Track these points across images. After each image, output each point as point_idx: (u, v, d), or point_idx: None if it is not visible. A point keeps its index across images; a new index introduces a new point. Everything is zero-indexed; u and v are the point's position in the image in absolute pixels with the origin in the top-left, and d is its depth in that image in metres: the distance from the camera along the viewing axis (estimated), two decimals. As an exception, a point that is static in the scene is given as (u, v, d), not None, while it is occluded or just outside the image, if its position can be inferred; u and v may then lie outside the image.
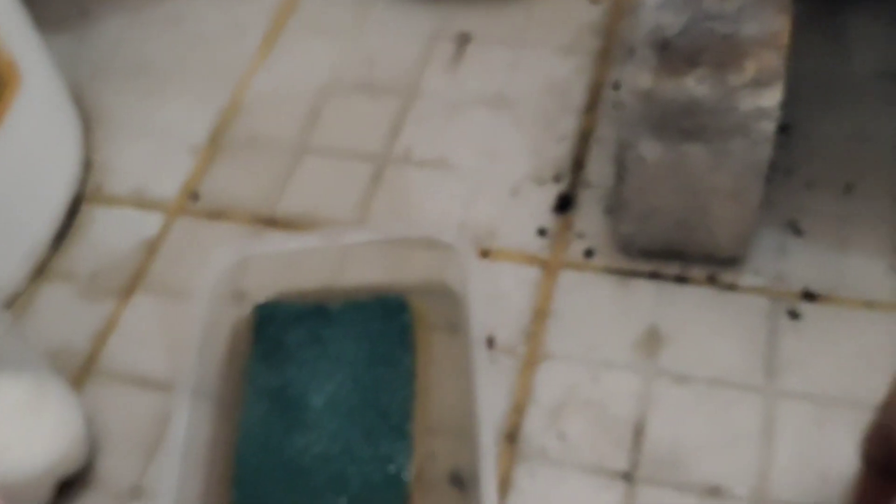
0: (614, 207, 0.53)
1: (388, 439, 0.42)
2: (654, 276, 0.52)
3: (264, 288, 0.51)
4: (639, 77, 0.45)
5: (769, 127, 0.43)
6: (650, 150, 0.47)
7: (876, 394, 0.47)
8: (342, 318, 0.47)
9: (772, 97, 0.42)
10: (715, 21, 0.44)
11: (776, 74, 0.42)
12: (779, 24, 0.43)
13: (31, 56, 0.56)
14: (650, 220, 0.51)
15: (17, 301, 0.55)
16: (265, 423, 0.43)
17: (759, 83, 0.42)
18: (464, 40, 0.65)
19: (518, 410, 0.48)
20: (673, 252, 0.52)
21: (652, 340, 0.50)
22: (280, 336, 0.46)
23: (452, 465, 0.44)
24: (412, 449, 0.43)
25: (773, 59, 0.42)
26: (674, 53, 0.45)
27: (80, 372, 0.52)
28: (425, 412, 0.45)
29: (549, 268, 0.54)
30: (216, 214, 0.58)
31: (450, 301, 0.48)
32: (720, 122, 0.43)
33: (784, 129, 0.56)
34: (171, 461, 0.40)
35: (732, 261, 0.52)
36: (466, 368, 0.44)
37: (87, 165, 0.61)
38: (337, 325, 0.47)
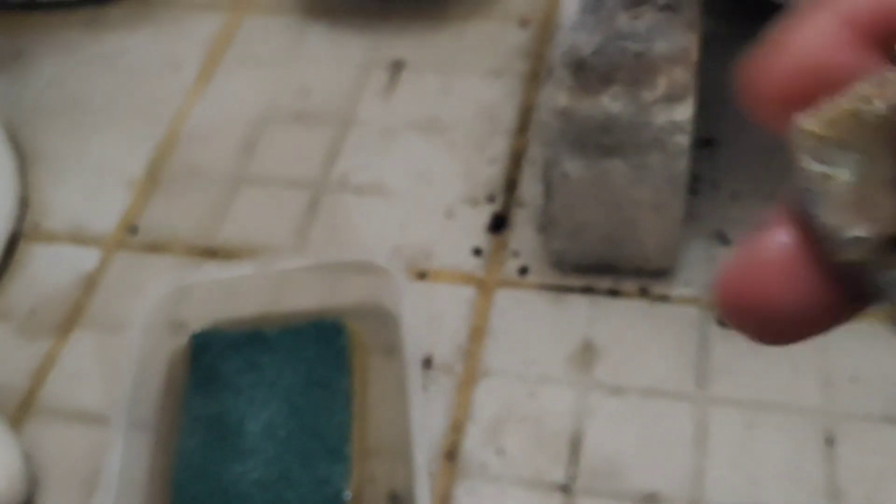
0: (545, 225, 0.54)
1: (326, 462, 0.42)
2: (587, 290, 0.53)
3: (202, 317, 0.51)
4: (557, 96, 0.46)
5: (684, 140, 0.44)
6: (573, 167, 0.48)
7: (803, 397, 0.48)
8: (279, 343, 0.47)
9: (684, 111, 0.43)
10: (627, 40, 0.45)
11: (687, 89, 0.43)
12: (688, 41, 0.44)
13: (-37, 97, 0.56)
14: (579, 236, 0.52)
15: (-47, 342, 0.55)
16: (202, 451, 0.43)
17: (671, 98, 0.43)
18: (397, 67, 0.66)
19: (456, 429, 0.49)
20: (604, 266, 0.53)
21: (586, 354, 0.51)
22: (216, 364, 0.46)
23: (391, 487, 0.44)
24: (350, 471, 0.43)
25: (684, 75, 0.43)
26: (589, 72, 0.46)
27: (19, 410, 0.52)
28: (363, 435, 0.45)
29: (485, 287, 0.54)
30: (154, 247, 0.58)
31: (386, 323, 0.49)
32: (636, 137, 0.44)
33: (708, 142, 0.57)
34: (107, 494, 0.39)
35: (662, 272, 0.53)
36: (403, 389, 0.44)
37: (24, 203, 0.61)
38: (273, 351, 0.47)
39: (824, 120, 0.14)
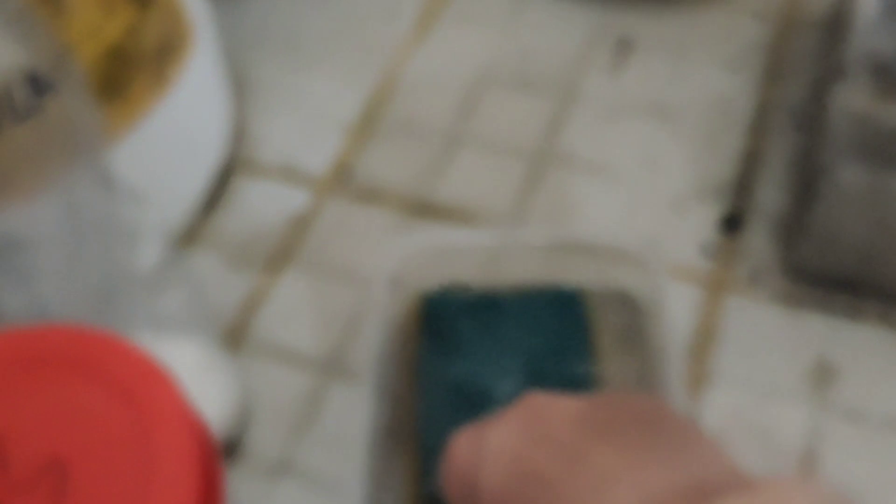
0: (790, 232, 0.52)
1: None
2: (825, 306, 0.51)
3: (424, 277, 0.50)
4: (853, 100, 0.44)
5: None
6: (849, 175, 0.46)
7: None
8: (513, 309, 0.46)
9: None
10: (944, 50, 0.43)
11: None
12: None
13: (203, 21, 0.56)
14: (831, 248, 0.49)
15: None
16: (444, 412, 0.42)
17: None
18: (624, 45, 0.64)
19: (682, 429, 0.47)
20: (846, 283, 0.51)
21: (822, 373, 0.49)
22: (451, 326, 0.45)
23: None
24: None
25: None
26: (891, 79, 0.44)
27: (229, 340, 0.52)
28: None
29: (714, 288, 0.52)
30: (367, 197, 0.58)
31: (627, 309, 0.47)
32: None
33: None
34: (362, 453, 0.39)
35: (909, 299, 0.50)
36: (650, 379, 0.43)
37: (239, 134, 0.61)
38: (508, 317, 0.46)
39: None
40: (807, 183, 0.49)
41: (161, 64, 0.49)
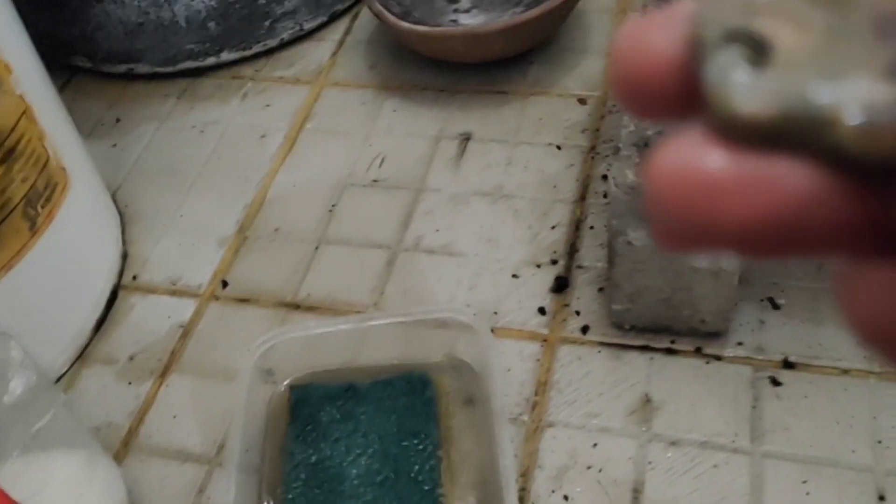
0: (606, 288, 0.56)
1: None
2: (645, 349, 0.54)
3: (292, 367, 0.53)
4: (625, 173, 0.48)
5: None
6: (637, 236, 0.50)
7: (854, 454, 0.49)
8: (371, 395, 0.49)
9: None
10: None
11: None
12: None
13: (77, 161, 0.59)
14: (639, 299, 0.53)
15: (61, 382, 0.57)
16: (306, 495, 0.44)
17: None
18: (465, 139, 0.68)
19: (525, 475, 0.50)
20: (662, 327, 0.54)
21: (645, 408, 0.52)
22: (314, 415, 0.48)
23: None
24: (441, 511, 0.44)
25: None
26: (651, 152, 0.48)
27: (121, 447, 0.54)
28: (452, 479, 0.46)
29: (549, 343, 0.56)
30: (244, 300, 0.61)
31: (463, 375, 0.50)
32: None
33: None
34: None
35: (716, 334, 0.54)
36: (487, 438, 0.46)
37: (125, 258, 0.64)
38: (366, 403, 0.48)
39: None
40: (610, 246, 0.53)
41: (32, 209, 0.52)
